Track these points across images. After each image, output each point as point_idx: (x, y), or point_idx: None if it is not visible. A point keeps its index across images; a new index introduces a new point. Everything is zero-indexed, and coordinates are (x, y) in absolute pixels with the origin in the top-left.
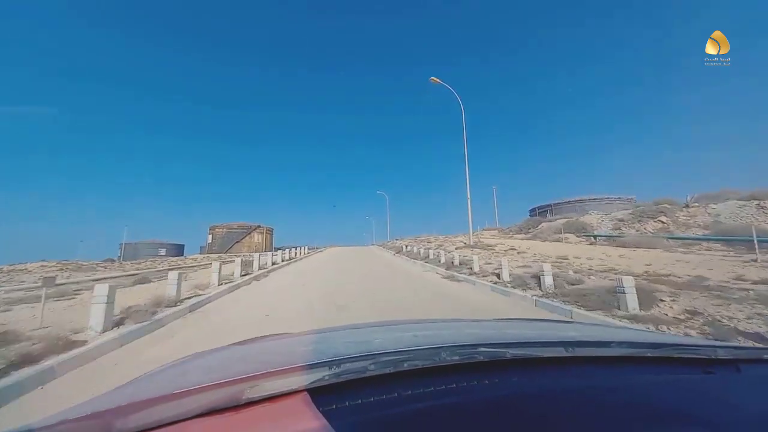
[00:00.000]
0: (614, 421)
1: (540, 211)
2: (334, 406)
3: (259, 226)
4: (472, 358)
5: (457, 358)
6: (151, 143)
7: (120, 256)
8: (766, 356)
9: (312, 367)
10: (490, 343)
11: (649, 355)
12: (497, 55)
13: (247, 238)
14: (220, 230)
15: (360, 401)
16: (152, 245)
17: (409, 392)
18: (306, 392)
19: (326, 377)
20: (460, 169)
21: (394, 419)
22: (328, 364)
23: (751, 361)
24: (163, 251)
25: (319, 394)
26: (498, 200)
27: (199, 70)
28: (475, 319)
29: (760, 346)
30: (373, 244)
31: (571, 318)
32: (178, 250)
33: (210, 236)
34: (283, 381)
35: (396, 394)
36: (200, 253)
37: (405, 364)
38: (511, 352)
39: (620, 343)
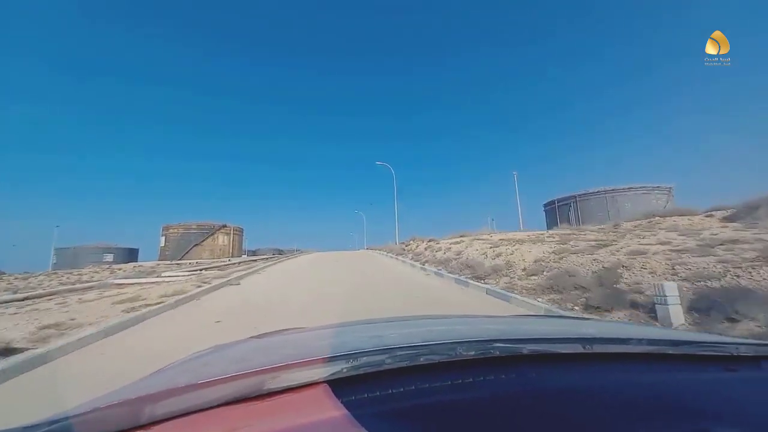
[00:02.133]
0: (634, 418)
1: (560, 205)
2: (353, 398)
3: (224, 226)
4: (488, 353)
5: (472, 353)
6: (115, 128)
7: (51, 265)
8: None
9: (331, 359)
10: (506, 339)
11: (669, 352)
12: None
13: (209, 240)
14: (175, 231)
15: (378, 393)
16: (96, 250)
17: (426, 385)
18: (326, 384)
19: (345, 370)
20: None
21: (411, 411)
22: (346, 357)
23: None
24: (109, 257)
25: (338, 386)
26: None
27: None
28: (490, 315)
29: None
30: (368, 248)
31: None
32: (131, 256)
33: (163, 238)
34: (304, 373)
35: (413, 387)
36: (159, 259)
37: (421, 358)
38: (527, 348)
39: (640, 340)
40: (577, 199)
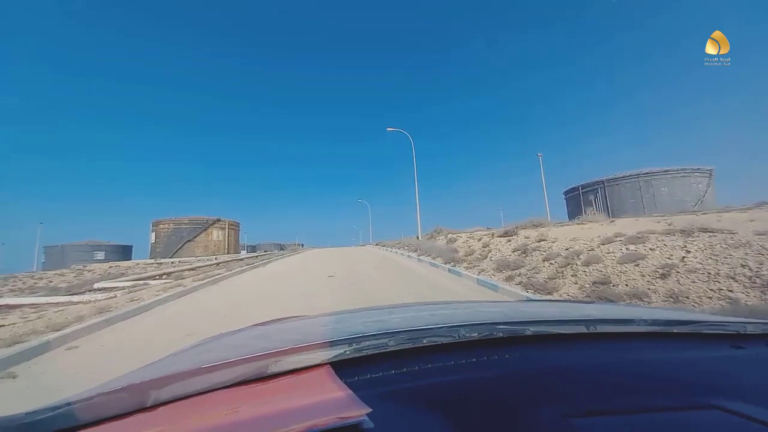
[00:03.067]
0: (638, 394)
1: (585, 191)
2: (356, 378)
3: (218, 220)
4: (492, 335)
5: (476, 334)
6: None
7: (36, 265)
8: None
9: (334, 343)
10: (510, 321)
11: (675, 331)
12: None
13: (202, 235)
14: (166, 227)
15: (381, 374)
16: (86, 248)
17: (429, 366)
18: (329, 365)
19: (347, 352)
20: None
21: (414, 390)
22: (349, 341)
23: None
24: (100, 255)
25: (341, 368)
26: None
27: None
28: (494, 300)
29: None
30: (376, 244)
31: None
32: (123, 253)
33: (153, 234)
34: (307, 356)
35: (416, 368)
36: (151, 257)
37: (424, 340)
38: (531, 329)
39: (644, 320)
40: (605, 184)
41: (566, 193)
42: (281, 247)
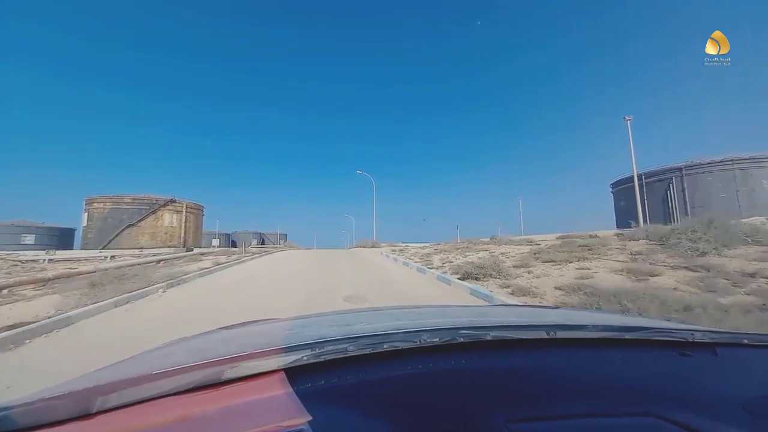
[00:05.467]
0: (583, 399)
1: (650, 182)
2: (309, 385)
3: (171, 201)
4: (453, 340)
5: (437, 339)
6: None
7: None
8: (744, 340)
9: (292, 348)
10: (471, 326)
11: (627, 337)
12: None
13: (150, 219)
14: (101, 206)
15: (338, 381)
16: (12, 229)
17: (391, 374)
18: (283, 372)
19: (305, 358)
20: None
21: (364, 397)
22: (310, 346)
23: (728, 345)
24: (29, 239)
25: (298, 375)
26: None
27: None
28: (462, 305)
29: (738, 331)
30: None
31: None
32: (63, 238)
33: (85, 216)
34: (264, 362)
35: (376, 376)
36: (82, 245)
37: (384, 345)
38: (492, 334)
39: (596, 326)
40: (684, 172)
41: (615, 185)
42: (261, 239)
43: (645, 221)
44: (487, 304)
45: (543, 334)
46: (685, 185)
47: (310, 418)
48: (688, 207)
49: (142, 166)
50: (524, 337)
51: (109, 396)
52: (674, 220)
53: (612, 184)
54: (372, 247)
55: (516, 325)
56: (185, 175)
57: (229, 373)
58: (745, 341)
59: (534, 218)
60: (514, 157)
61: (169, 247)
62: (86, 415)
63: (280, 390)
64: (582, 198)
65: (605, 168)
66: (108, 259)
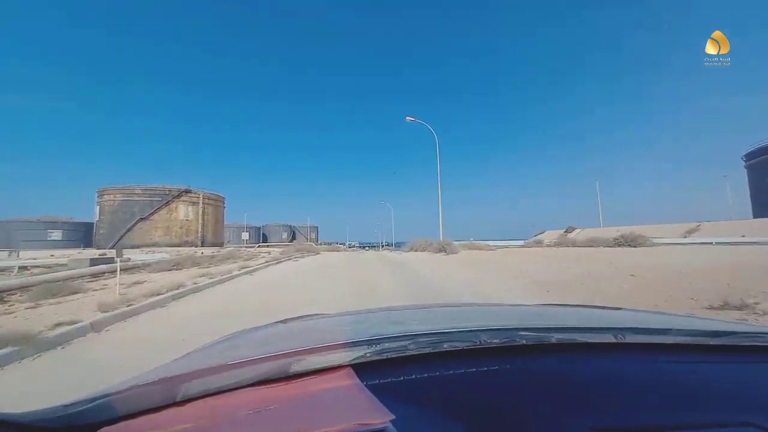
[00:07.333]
0: (670, 409)
1: None
2: (377, 382)
3: (186, 191)
4: (513, 342)
5: (497, 340)
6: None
7: None
8: None
9: (354, 344)
10: (533, 327)
11: (711, 343)
12: None
13: (163, 211)
14: (111, 197)
15: (402, 378)
16: (38, 225)
17: (451, 372)
18: (350, 368)
19: (368, 354)
20: None
21: (436, 397)
22: (369, 342)
23: None
24: (57, 234)
25: (361, 371)
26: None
27: None
28: (514, 304)
29: None
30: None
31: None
32: (87, 234)
33: (97, 209)
34: (328, 356)
35: (437, 373)
36: (95, 241)
37: (445, 345)
38: (555, 337)
39: (678, 330)
40: None
41: (750, 156)
42: (292, 232)
43: None
44: (546, 303)
45: (610, 338)
46: None
47: (392, 416)
48: None
49: (164, 156)
50: (592, 340)
51: (191, 384)
52: None
53: (746, 155)
54: (441, 251)
55: (580, 327)
56: (205, 165)
57: (297, 366)
58: None
59: (616, 205)
60: (588, 127)
61: (185, 243)
62: (173, 404)
63: (353, 386)
64: (686, 180)
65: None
66: (15, 272)
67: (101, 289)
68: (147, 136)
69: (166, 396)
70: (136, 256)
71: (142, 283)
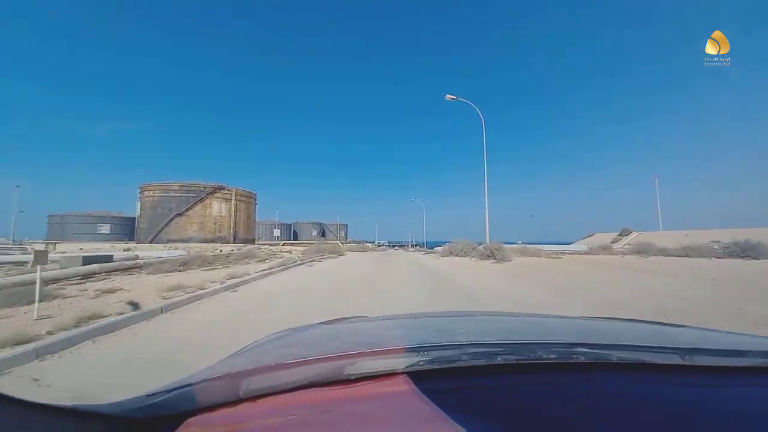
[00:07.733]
0: None
1: None
2: (432, 391)
3: (219, 188)
4: (571, 358)
5: (554, 356)
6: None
7: (13, 234)
8: None
9: (406, 351)
10: (591, 344)
11: None
12: None
13: (197, 207)
14: (151, 193)
15: (460, 390)
16: (89, 219)
17: (506, 384)
18: (407, 375)
19: (421, 362)
20: None
21: (498, 410)
22: (418, 350)
23: None
24: (105, 228)
25: (416, 379)
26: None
27: None
28: (564, 316)
29: None
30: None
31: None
32: (134, 227)
33: (138, 204)
34: (382, 361)
35: (491, 385)
36: (136, 236)
37: (499, 358)
38: (616, 355)
39: (759, 353)
40: None
41: None
42: (321, 229)
43: None
44: (598, 316)
45: (677, 359)
46: None
47: (464, 430)
48: None
49: (201, 153)
50: (654, 361)
51: (252, 380)
52: None
53: None
54: (489, 257)
55: (642, 345)
56: (239, 160)
57: (350, 369)
58: None
59: (677, 207)
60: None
61: (218, 238)
62: (243, 400)
63: (413, 395)
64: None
65: None
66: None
67: (56, 299)
68: (187, 136)
69: (230, 391)
70: (155, 252)
71: (98, 296)
